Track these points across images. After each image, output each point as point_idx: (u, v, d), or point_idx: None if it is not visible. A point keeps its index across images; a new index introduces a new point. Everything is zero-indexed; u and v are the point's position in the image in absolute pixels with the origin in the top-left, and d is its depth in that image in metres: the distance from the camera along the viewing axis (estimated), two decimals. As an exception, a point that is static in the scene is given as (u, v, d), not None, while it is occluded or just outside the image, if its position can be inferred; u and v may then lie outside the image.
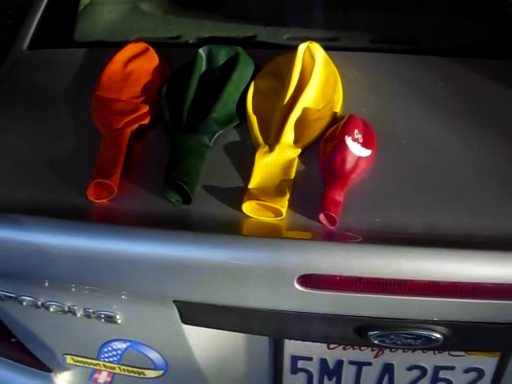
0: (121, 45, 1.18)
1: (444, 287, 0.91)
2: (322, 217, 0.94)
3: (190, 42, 1.24)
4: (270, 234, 0.95)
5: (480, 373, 1.10)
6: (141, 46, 1.17)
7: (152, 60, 1.16)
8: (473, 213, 0.95)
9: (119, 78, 1.13)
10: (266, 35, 1.22)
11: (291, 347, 1.09)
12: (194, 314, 1.03)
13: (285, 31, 1.23)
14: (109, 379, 1.23)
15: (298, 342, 1.07)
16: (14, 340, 1.19)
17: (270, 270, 0.93)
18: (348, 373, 1.12)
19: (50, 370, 1.27)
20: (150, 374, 1.17)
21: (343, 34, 1.21)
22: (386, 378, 1.13)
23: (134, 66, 1.15)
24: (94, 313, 1.06)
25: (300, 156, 1.02)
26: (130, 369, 1.18)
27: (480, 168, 1.01)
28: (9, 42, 1.29)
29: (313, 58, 1.10)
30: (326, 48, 1.12)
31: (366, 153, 1.00)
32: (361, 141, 1.00)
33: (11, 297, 1.07)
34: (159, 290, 1.00)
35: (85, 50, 1.23)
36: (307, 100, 1.06)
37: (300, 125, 1.04)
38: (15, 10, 2.52)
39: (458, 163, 1.01)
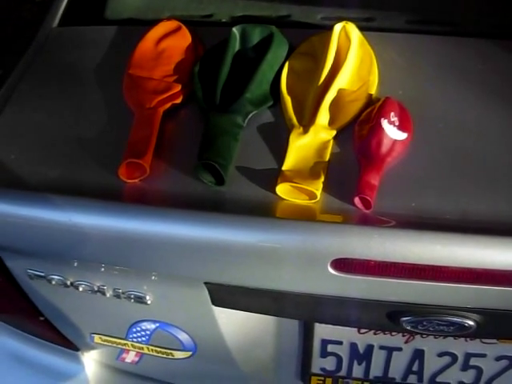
0: (152, 23, 1.17)
1: (479, 274, 0.90)
2: (356, 200, 0.92)
3: (223, 20, 1.22)
4: (303, 216, 0.94)
5: (511, 361, 1.09)
6: (173, 24, 1.16)
7: (184, 38, 1.14)
8: (510, 199, 0.93)
9: (151, 56, 1.12)
10: (299, 15, 1.20)
11: (321, 331, 1.09)
12: (225, 296, 1.02)
13: (319, 11, 1.20)
14: (136, 359, 1.23)
15: (329, 325, 1.07)
16: (42, 318, 1.20)
17: (304, 254, 0.92)
18: (378, 358, 1.12)
19: (77, 349, 1.28)
20: (179, 354, 1.17)
21: (379, 15, 1.19)
22: (416, 363, 1.12)
23: (167, 45, 1.13)
24: (123, 293, 1.06)
25: (335, 138, 1.01)
26: (159, 349, 1.18)
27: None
28: (39, 19, 1.28)
29: (348, 38, 1.08)
30: (361, 28, 1.10)
31: (401, 136, 0.98)
32: (397, 124, 0.98)
33: (41, 276, 1.08)
34: (190, 272, 1.00)
35: (115, 28, 1.22)
36: (342, 81, 1.04)
37: (335, 106, 1.02)
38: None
39: (495, 148, 0.99)
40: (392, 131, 0.97)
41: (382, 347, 1.10)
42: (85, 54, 1.19)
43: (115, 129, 1.06)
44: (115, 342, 1.20)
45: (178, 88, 1.07)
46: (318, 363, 1.15)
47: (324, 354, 1.13)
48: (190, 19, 1.21)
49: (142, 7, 1.27)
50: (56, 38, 1.24)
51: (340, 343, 1.11)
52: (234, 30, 1.11)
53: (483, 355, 1.09)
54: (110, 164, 1.00)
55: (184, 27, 1.16)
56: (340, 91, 1.04)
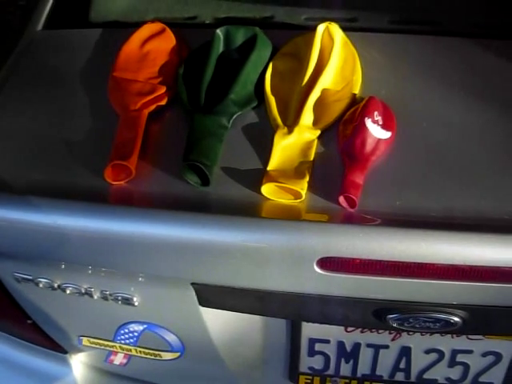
0: (137, 25, 1.17)
1: (463, 271, 0.90)
2: (341, 199, 0.93)
3: (207, 22, 1.22)
4: (289, 216, 0.95)
5: (497, 356, 1.10)
6: (157, 26, 1.16)
7: (169, 40, 1.14)
8: (493, 196, 0.94)
9: (136, 58, 1.12)
10: (283, 15, 1.21)
11: (309, 330, 1.09)
12: (212, 296, 1.03)
13: (302, 11, 1.21)
14: (125, 361, 1.23)
15: (316, 324, 1.07)
16: (29, 322, 1.20)
17: (290, 253, 0.93)
18: (365, 356, 1.12)
19: (65, 352, 1.28)
20: (167, 355, 1.17)
21: (362, 15, 1.19)
22: (404, 361, 1.13)
23: (151, 47, 1.13)
24: (110, 295, 1.06)
25: (319, 138, 1.01)
26: (147, 351, 1.18)
27: (501, 150, 0.99)
28: (22, 23, 1.28)
29: (332, 38, 1.08)
30: (344, 29, 1.11)
31: (385, 135, 0.99)
32: (380, 123, 0.99)
33: (28, 279, 1.07)
34: (177, 273, 1.00)
35: (100, 31, 1.22)
36: (326, 81, 1.05)
37: (319, 106, 1.03)
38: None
39: (478, 146, 1.00)
40: (376, 130, 0.98)
41: (369, 345, 1.11)
42: (70, 56, 1.19)
43: (100, 131, 1.06)
44: (103, 344, 1.20)
45: (162, 90, 1.07)
46: (306, 362, 1.15)
47: (312, 352, 1.13)
48: (174, 21, 1.21)
49: (127, 10, 1.27)
50: (41, 41, 1.23)
51: (327, 342, 1.11)
52: (218, 31, 1.12)
53: (470, 351, 1.10)
54: (95, 166, 1.00)
55: (168, 29, 1.16)
56: (324, 91, 1.04)
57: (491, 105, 1.05)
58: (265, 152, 0.99)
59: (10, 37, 1.25)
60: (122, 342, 1.17)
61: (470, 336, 1.07)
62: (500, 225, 0.91)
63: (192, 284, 1.00)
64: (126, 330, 1.14)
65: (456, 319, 0.98)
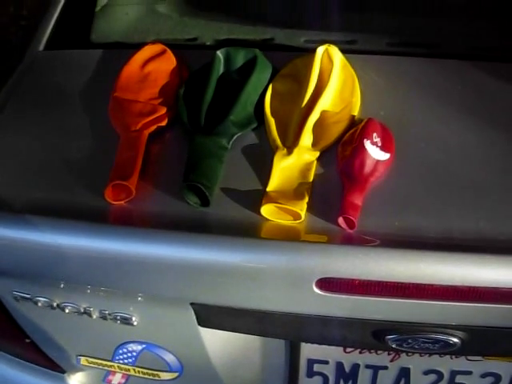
0: (138, 46, 1.18)
1: (462, 292, 0.91)
2: (340, 220, 0.93)
3: (207, 43, 1.23)
4: (288, 237, 0.95)
5: (497, 378, 1.10)
6: (158, 47, 1.17)
7: (169, 61, 1.15)
8: (492, 217, 0.95)
9: (137, 79, 1.13)
10: (283, 37, 1.22)
11: (307, 350, 1.09)
12: (211, 316, 1.03)
13: (302, 34, 1.22)
14: (123, 381, 1.23)
15: (315, 345, 1.07)
16: (28, 341, 1.20)
17: (289, 274, 0.93)
18: (364, 376, 1.12)
19: (63, 371, 1.28)
20: (165, 376, 1.17)
21: (361, 37, 1.20)
22: (403, 382, 1.13)
23: (152, 68, 1.14)
24: (109, 314, 1.06)
25: (318, 159, 1.02)
26: (145, 371, 1.18)
27: (499, 172, 1.00)
28: (24, 43, 1.29)
29: (331, 60, 1.09)
30: (343, 51, 1.12)
31: (384, 156, 1.00)
32: (379, 144, 1.00)
33: (26, 298, 1.07)
34: (176, 293, 1.00)
35: (101, 51, 1.23)
36: (325, 103, 1.06)
37: (318, 128, 1.04)
38: (29, 10, 2.53)
39: (476, 167, 1.01)
40: (375, 152, 0.99)
41: (367, 366, 1.11)
42: (71, 77, 1.20)
43: (101, 151, 1.07)
44: (101, 364, 1.19)
45: (163, 111, 1.08)
46: (305, 383, 1.15)
47: (310, 373, 1.13)
48: (174, 42, 1.22)
49: (128, 31, 1.28)
50: (42, 61, 1.24)
51: (326, 362, 1.11)
52: (218, 53, 1.13)
53: (469, 372, 1.10)
54: (96, 186, 1.00)
55: (169, 50, 1.17)
56: (323, 113, 1.05)
57: (489, 126, 1.05)
58: (264, 173, 1.00)
59: (12, 57, 1.26)
60: (121, 361, 1.17)
61: (469, 357, 1.07)
62: (499, 246, 0.92)
63: (191, 304, 1.00)
64: (125, 350, 1.14)
65: (455, 340, 0.98)
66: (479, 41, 1.20)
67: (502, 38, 1.20)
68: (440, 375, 1.11)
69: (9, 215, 1.00)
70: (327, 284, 0.92)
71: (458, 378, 1.11)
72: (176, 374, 1.16)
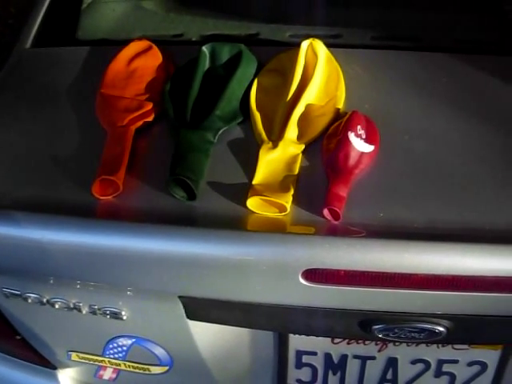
0: (124, 43, 1.18)
1: (447, 281, 0.92)
2: (325, 212, 0.94)
3: (193, 39, 1.24)
4: (274, 229, 0.96)
5: (483, 366, 1.11)
6: (144, 43, 1.18)
7: (155, 58, 1.16)
8: (475, 207, 0.96)
9: (123, 75, 1.14)
10: (268, 32, 1.23)
11: (296, 342, 1.10)
12: (199, 309, 1.03)
13: (287, 28, 1.23)
14: (114, 376, 1.23)
15: (303, 336, 1.08)
16: (18, 337, 1.20)
17: (275, 265, 0.94)
18: (352, 367, 1.13)
19: (54, 367, 1.28)
20: (156, 369, 1.18)
21: (345, 31, 1.21)
22: (390, 371, 1.13)
23: (138, 64, 1.15)
24: (99, 309, 1.07)
25: (303, 152, 1.03)
26: (135, 365, 1.18)
27: (482, 163, 1.01)
28: (11, 41, 1.30)
29: (315, 54, 1.10)
30: (328, 45, 1.13)
31: (368, 148, 1.01)
32: (364, 136, 1.01)
33: (16, 294, 1.08)
34: (164, 286, 1.00)
35: (88, 48, 1.24)
36: (310, 96, 1.07)
37: (303, 121, 1.04)
38: (16, 8, 2.53)
39: (460, 158, 1.02)
40: (359, 144, 1.00)
41: (355, 356, 1.12)
42: (58, 74, 1.21)
43: (88, 147, 1.08)
44: (92, 359, 1.20)
45: (149, 106, 1.09)
46: (294, 374, 1.16)
47: (299, 365, 1.14)
48: (160, 39, 1.23)
49: (114, 28, 1.29)
50: (29, 58, 1.25)
51: (314, 354, 1.12)
52: (204, 48, 1.13)
53: (455, 361, 1.11)
54: (83, 181, 1.01)
55: (155, 47, 1.18)
56: (308, 106, 1.06)
57: (473, 118, 1.07)
58: (250, 166, 1.01)
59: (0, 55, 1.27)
60: (111, 356, 1.18)
61: (456, 346, 1.08)
62: (481, 235, 0.93)
63: (179, 297, 1.01)
64: (115, 345, 1.15)
65: (441, 329, 0.99)
66: (463, 34, 1.21)
67: (483, 31, 1.21)
68: (427, 364, 1.12)
69: (-4, 212, 1.00)
70: (313, 275, 0.93)
71: (445, 367, 1.12)
72: (166, 368, 1.17)
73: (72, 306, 1.07)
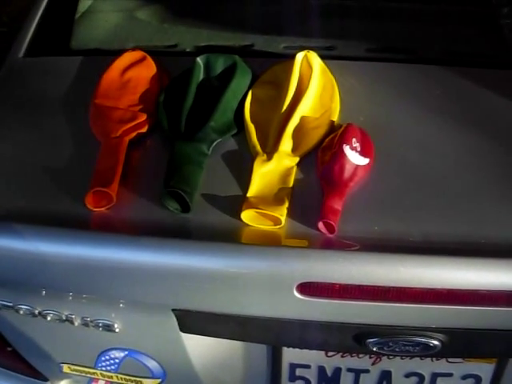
0: (117, 53, 1.18)
1: (442, 294, 0.92)
2: (320, 225, 0.94)
3: (187, 50, 1.24)
4: (269, 242, 0.95)
5: (477, 379, 1.11)
6: (138, 54, 1.18)
7: (149, 68, 1.16)
8: (470, 220, 0.96)
9: (117, 86, 1.13)
10: (263, 44, 1.23)
11: (289, 355, 1.09)
12: (193, 322, 1.03)
13: (282, 40, 1.23)
14: (106, 388, 1.23)
15: (296, 349, 1.08)
16: (10, 349, 1.19)
17: (269, 278, 0.93)
18: (346, 380, 1.13)
19: (46, 379, 1.27)
20: (148, 382, 1.17)
21: (340, 43, 1.22)
22: (384, 385, 1.13)
23: (132, 74, 1.15)
24: (91, 321, 1.06)
25: (298, 164, 1.03)
26: (128, 377, 1.17)
27: (477, 176, 1.01)
28: (5, 50, 1.29)
29: (310, 66, 1.10)
30: (322, 57, 1.13)
31: (363, 161, 1.01)
32: (359, 149, 1.00)
33: (8, 306, 1.07)
34: (158, 299, 1.00)
35: (81, 58, 1.23)
36: (305, 108, 1.07)
37: (298, 133, 1.04)
38: (9, 17, 2.53)
39: (455, 171, 1.02)
40: (354, 157, 1.00)
41: (349, 369, 1.11)
42: (51, 84, 1.20)
43: (82, 158, 1.07)
44: (84, 371, 1.19)
45: (143, 117, 1.08)
46: (287, 387, 1.16)
47: (292, 378, 1.14)
48: (154, 49, 1.23)
49: (108, 38, 1.29)
50: (22, 68, 1.24)
51: (308, 367, 1.12)
52: (198, 59, 1.13)
53: (449, 374, 1.11)
54: (76, 193, 1.00)
55: (149, 57, 1.17)
56: (303, 118, 1.06)
57: (467, 130, 1.07)
58: (244, 179, 1.00)
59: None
60: (103, 368, 1.17)
61: (450, 359, 1.08)
62: (477, 249, 0.93)
63: (173, 310, 1.00)
64: (107, 357, 1.14)
65: (435, 342, 0.98)
66: (456, 46, 1.21)
67: (478, 44, 1.22)
68: (421, 378, 1.11)
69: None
70: (308, 288, 0.92)
71: (439, 381, 1.11)
72: (159, 381, 1.16)
73: (64, 317, 1.06)
